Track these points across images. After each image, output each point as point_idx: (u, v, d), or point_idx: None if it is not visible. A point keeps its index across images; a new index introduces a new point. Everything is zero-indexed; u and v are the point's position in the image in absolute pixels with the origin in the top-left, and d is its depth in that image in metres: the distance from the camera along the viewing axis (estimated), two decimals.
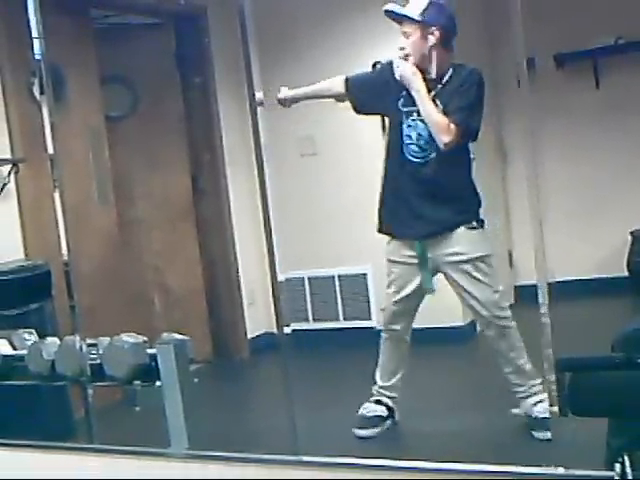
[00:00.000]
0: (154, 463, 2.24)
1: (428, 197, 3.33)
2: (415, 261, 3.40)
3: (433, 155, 3.29)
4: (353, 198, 4.97)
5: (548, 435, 3.09)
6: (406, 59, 3.31)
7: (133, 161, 4.91)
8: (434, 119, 3.25)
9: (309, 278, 5.17)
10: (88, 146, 4.36)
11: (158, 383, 2.33)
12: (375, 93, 3.45)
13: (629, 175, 5.24)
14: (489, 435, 3.25)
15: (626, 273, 5.15)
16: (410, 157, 3.34)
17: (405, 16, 3.28)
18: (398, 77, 3.32)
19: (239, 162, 4.97)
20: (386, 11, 3.32)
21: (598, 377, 2.00)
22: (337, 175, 5.05)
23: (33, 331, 2.78)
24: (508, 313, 3.34)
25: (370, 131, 4.94)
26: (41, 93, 3.30)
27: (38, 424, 3.20)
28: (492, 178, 5.42)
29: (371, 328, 5.02)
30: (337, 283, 5.13)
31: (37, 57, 2.83)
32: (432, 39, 3.26)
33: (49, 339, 2.65)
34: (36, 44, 2.81)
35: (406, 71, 3.30)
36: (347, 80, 3.56)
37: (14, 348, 2.73)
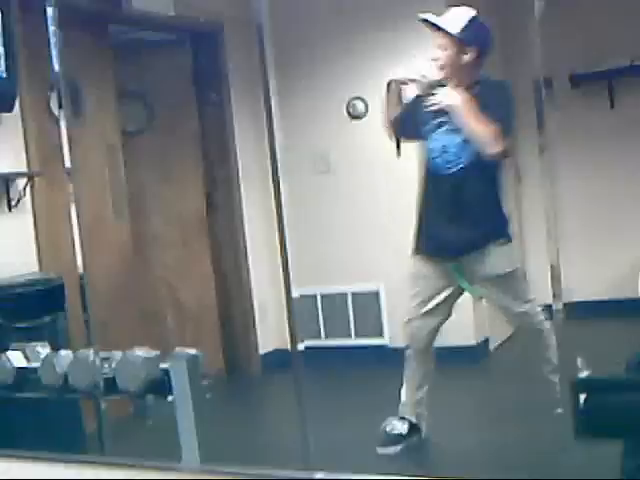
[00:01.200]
0: (166, 477, 2.23)
1: (459, 211, 3.33)
2: (441, 275, 3.40)
3: (461, 166, 3.29)
4: (366, 216, 4.97)
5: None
6: (441, 70, 3.30)
7: (148, 176, 4.94)
8: (483, 130, 3.19)
9: (322, 295, 5.17)
10: (104, 161, 4.39)
11: (170, 397, 2.33)
12: (413, 122, 3.44)
13: None
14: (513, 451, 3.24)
15: None
16: (438, 171, 3.33)
17: (445, 31, 3.28)
18: (443, 106, 3.29)
19: (253, 178, 4.98)
20: (425, 20, 3.30)
21: (613, 398, 1.99)
22: (351, 193, 5.06)
23: (46, 344, 2.79)
24: (541, 317, 3.36)
25: (384, 149, 4.95)
26: (59, 107, 3.33)
27: (50, 437, 3.20)
28: (506, 197, 5.42)
29: (383, 346, 5.02)
30: (350, 300, 5.13)
31: (55, 72, 2.84)
32: (467, 57, 3.27)
33: (62, 352, 2.65)
34: (54, 59, 2.83)
35: (451, 99, 3.28)
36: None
37: (27, 360, 2.73)
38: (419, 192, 3.46)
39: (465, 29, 3.26)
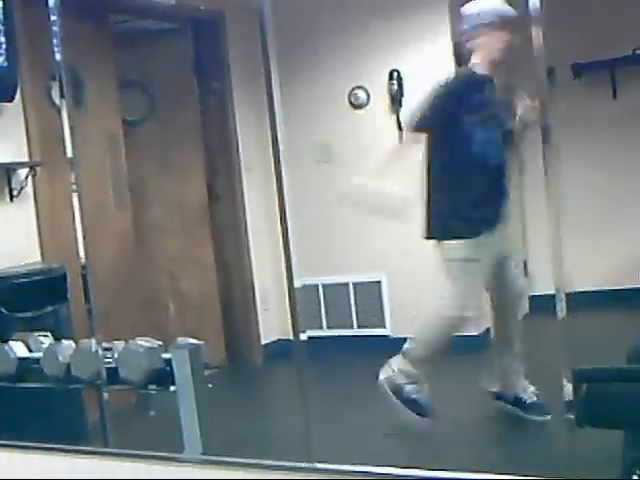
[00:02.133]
0: (168, 468, 2.23)
1: (498, 195, 3.53)
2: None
3: (502, 158, 3.50)
4: None
5: (548, 417, 3.31)
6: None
7: (149, 166, 4.93)
8: None
9: (323, 285, 5.17)
10: (106, 150, 4.38)
11: (172, 388, 2.33)
12: (446, 111, 3.53)
13: None
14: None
15: None
16: (486, 161, 3.46)
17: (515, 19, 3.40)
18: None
19: (255, 168, 4.97)
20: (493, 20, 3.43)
21: (614, 388, 1.99)
22: (353, 182, 5.04)
23: (49, 334, 2.79)
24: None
25: (386, 139, 4.95)
26: (61, 97, 3.33)
27: (52, 427, 3.21)
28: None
29: (385, 336, 5.01)
30: (351, 290, 5.13)
31: (56, 61, 2.84)
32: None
33: (65, 342, 2.65)
34: (55, 48, 2.82)
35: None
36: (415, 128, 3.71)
37: (30, 350, 2.74)
38: (456, 177, 3.54)
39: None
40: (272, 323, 5.00)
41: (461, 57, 4.67)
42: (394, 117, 4.94)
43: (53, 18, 2.81)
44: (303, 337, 4.76)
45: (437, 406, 3.67)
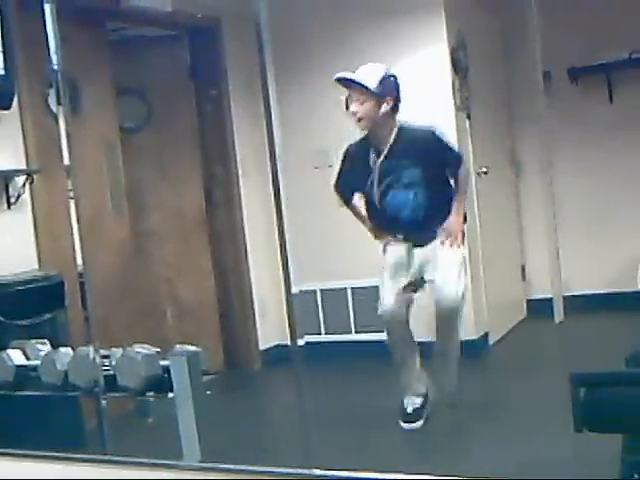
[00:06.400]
0: (166, 475, 2.23)
1: None
2: None
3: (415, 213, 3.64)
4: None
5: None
6: (359, 122, 3.59)
7: (147, 173, 4.93)
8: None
9: (321, 290, 5.17)
10: (103, 157, 4.38)
11: (171, 394, 2.33)
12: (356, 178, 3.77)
13: None
14: None
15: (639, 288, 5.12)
16: (395, 216, 3.68)
17: (363, 86, 3.51)
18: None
19: (252, 174, 4.98)
20: (342, 79, 3.54)
21: (612, 393, 1.99)
22: None
23: (46, 341, 2.79)
24: None
25: None
26: (58, 104, 3.33)
27: (50, 434, 3.20)
28: (505, 192, 5.42)
29: (383, 341, 5.01)
30: (350, 295, 5.13)
31: (53, 68, 2.84)
32: (385, 107, 3.52)
33: (62, 349, 2.65)
34: (52, 56, 2.83)
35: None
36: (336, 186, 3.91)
37: (27, 358, 2.74)
38: None
39: (381, 82, 3.50)
40: (270, 329, 4.99)
41: (458, 62, 4.70)
42: None
43: (50, 26, 2.82)
44: (301, 342, 4.78)
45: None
